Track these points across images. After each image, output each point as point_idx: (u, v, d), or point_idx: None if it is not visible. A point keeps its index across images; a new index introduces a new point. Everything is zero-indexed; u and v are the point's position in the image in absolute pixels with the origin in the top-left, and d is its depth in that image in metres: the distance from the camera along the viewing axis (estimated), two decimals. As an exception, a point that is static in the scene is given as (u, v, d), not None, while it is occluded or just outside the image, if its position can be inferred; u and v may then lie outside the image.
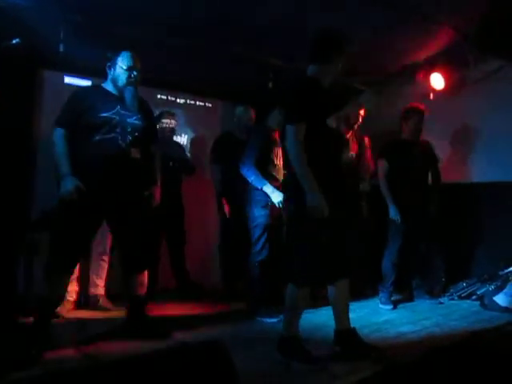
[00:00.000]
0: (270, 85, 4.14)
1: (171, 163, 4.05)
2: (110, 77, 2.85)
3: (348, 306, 2.59)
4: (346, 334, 2.55)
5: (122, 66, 2.80)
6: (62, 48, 3.33)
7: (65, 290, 2.86)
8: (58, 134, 2.71)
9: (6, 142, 3.55)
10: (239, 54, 3.81)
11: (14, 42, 3.11)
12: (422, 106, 3.92)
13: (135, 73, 2.82)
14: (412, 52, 4.03)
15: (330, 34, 2.52)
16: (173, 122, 4.31)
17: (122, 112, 2.79)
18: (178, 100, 4.92)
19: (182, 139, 4.92)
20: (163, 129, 4.24)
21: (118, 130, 2.74)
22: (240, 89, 4.65)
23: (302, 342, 2.50)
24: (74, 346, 2.65)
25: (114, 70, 2.82)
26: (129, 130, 2.79)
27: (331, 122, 2.56)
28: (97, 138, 2.71)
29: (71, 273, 2.79)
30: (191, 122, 4.97)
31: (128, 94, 2.81)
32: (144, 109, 2.94)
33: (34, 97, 3.86)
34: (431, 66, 4.18)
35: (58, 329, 2.71)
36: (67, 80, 4.08)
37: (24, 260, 3.36)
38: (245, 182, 3.50)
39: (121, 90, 2.82)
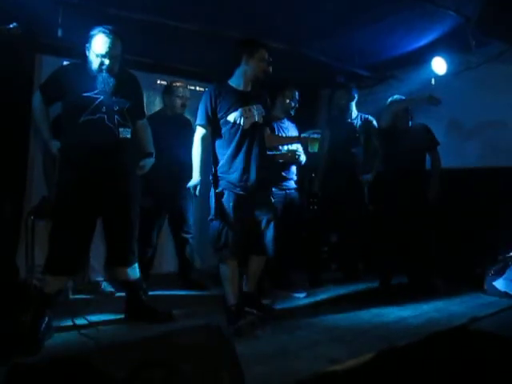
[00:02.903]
0: (270, 69, 4.09)
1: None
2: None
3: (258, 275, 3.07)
4: (252, 296, 3.07)
5: (94, 51, 2.61)
6: (60, 33, 3.30)
7: (62, 287, 2.73)
8: (35, 99, 2.67)
9: (3, 128, 3.54)
10: (238, 38, 3.76)
11: (11, 26, 3.07)
12: (400, 97, 3.90)
13: (107, 61, 2.61)
14: (414, 36, 3.98)
15: (239, 41, 2.94)
16: (185, 93, 3.87)
17: (107, 90, 2.63)
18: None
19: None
20: (174, 104, 3.82)
21: (103, 109, 2.60)
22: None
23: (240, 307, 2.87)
24: (75, 329, 2.67)
25: (89, 53, 2.64)
26: (116, 109, 2.65)
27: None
28: (82, 119, 2.57)
29: (69, 274, 2.72)
30: (193, 108, 4.94)
31: (99, 79, 2.62)
32: (130, 85, 2.80)
33: (32, 82, 3.82)
34: (433, 50, 4.13)
35: (60, 312, 2.71)
36: (66, 65, 4.04)
37: (25, 244, 3.37)
38: None
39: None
